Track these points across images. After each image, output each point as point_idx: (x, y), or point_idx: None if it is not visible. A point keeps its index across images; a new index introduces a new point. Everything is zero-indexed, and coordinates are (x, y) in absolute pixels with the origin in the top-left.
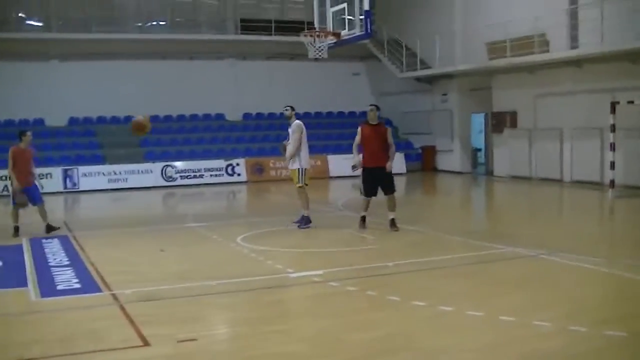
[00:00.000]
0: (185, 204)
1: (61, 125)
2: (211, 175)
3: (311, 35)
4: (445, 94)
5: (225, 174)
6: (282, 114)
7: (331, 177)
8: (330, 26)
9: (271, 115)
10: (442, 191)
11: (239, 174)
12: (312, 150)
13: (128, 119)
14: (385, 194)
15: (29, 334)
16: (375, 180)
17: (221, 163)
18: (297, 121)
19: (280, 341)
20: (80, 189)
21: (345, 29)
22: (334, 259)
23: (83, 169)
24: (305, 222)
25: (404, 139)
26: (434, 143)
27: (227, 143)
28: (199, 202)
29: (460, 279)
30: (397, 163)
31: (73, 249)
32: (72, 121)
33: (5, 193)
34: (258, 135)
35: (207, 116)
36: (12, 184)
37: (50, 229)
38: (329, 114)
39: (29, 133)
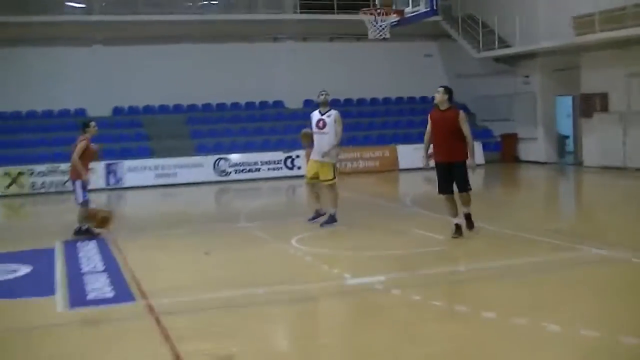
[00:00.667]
0: (238, 200)
1: (105, 116)
2: (269, 169)
3: (371, 14)
4: (527, 76)
5: (284, 167)
6: (348, 100)
7: (401, 170)
8: (394, 3)
9: (334, 102)
10: (524, 184)
11: (299, 167)
12: (381, 139)
13: (178, 108)
14: (459, 191)
15: (49, 349)
16: (447, 175)
17: (280, 155)
18: (335, 110)
19: (329, 358)
20: (125, 185)
21: (409, 5)
22: (398, 262)
23: (128, 163)
24: (331, 220)
25: (481, 127)
26: (515, 130)
27: (287, 133)
28: (254, 198)
29: (538, 287)
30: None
31: (111, 253)
32: (117, 111)
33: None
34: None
35: (264, 104)
36: (79, 177)
37: (83, 231)
38: (399, 99)
39: (93, 123)
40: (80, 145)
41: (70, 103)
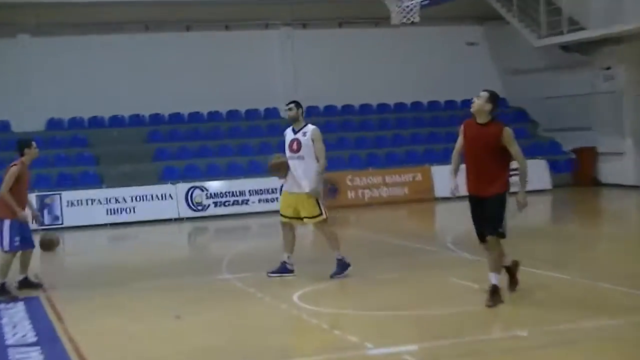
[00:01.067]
0: (219, 243)
1: (36, 131)
2: (260, 201)
3: None
4: (608, 68)
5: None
6: (365, 107)
7: (437, 199)
8: None
9: (347, 108)
10: (606, 216)
11: None
12: (410, 158)
13: (136, 120)
14: (486, 233)
15: None
16: (480, 214)
17: (274, 182)
18: (314, 126)
19: None
20: (65, 224)
21: None
22: (435, 326)
23: (69, 195)
24: (343, 267)
25: (546, 139)
26: (593, 143)
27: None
28: (241, 240)
29: (619, 357)
30: (537, 174)
31: (46, 318)
32: (52, 124)
33: None
34: (329, 139)
35: (252, 113)
36: (9, 216)
37: (27, 284)
38: (433, 104)
39: (34, 143)
40: (11, 172)
41: None
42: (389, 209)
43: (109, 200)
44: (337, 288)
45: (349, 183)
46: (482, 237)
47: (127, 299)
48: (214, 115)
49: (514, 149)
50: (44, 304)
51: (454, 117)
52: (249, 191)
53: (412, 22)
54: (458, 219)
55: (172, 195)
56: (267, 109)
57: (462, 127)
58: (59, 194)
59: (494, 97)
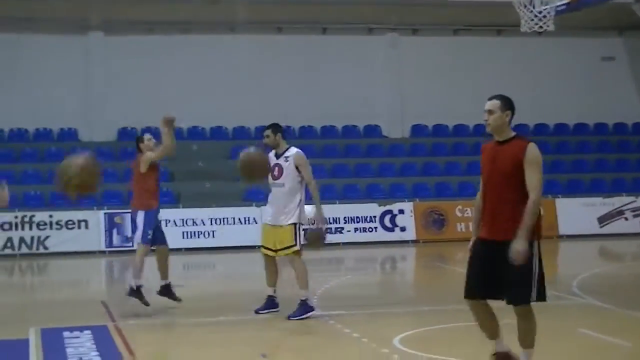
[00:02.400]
0: (309, 275)
1: (106, 141)
2: (356, 230)
3: None
4: None
5: (380, 228)
6: (479, 127)
7: (562, 236)
8: None
9: (460, 129)
10: None
11: (402, 228)
12: None
13: (218, 133)
14: (508, 301)
15: None
16: (485, 264)
17: (374, 209)
18: (297, 149)
19: None
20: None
21: None
22: None
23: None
24: (304, 310)
25: None
26: None
27: (385, 175)
28: (333, 274)
29: None
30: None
31: (115, 350)
32: (124, 135)
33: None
34: (438, 162)
35: (350, 130)
36: (146, 207)
37: (167, 292)
38: (560, 127)
39: (147, 136)
40: (145, 158)
41: (56, 122)
42: None
43: (186, 222)
44: (443, 332)
45: (458, 214)
46: (473, 294)
47: (205, 334)
48: (306, 131)
49: (533, 175)
50: (112, 334)
51: (584, 143)
52: (344, 218)
53: (544, 30)
54: (585, 260)
55: (256, 219)
56: (367, 126)
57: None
58: (129, 212)
59: (508, 102)
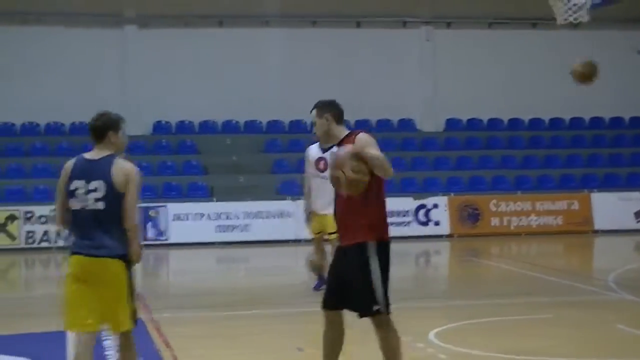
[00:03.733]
0: None
1: (141, 135)
2: (390, 224)
3: None
4: None
5: (414, 222)
6: (515, 121)
7: (597, 232)
8: None
9: (494, 123)
10: None
11: (437, 223)
12: (566, 183)
13: (252, 126)
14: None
15: None
16: (337, 273)
17: (407, 203)
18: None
19: None
20: (170, 240)
21: None
22: None
23: (175, 207)
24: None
25: None
26: None
27: (419, 169)
28: None
29: None
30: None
31: (151, 344)
32: (159, 128)
33: None
34: (471, 156)
35: (384, 124)
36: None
37: None
38: (595, 121)
39: None
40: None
41: (86, 115)
42: (539, 240)
43: (220, 216)
44: (480, 326)
45: (492, 208)
46: (328, 304)
47: (242, 328)
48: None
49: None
50: (148, 327)
51: (620, 137)
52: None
53: (579, 22)
54: (621, 255)
55: (290, 213)
56: (401, 120)
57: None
58: (164, 206)
59: (326, 106)
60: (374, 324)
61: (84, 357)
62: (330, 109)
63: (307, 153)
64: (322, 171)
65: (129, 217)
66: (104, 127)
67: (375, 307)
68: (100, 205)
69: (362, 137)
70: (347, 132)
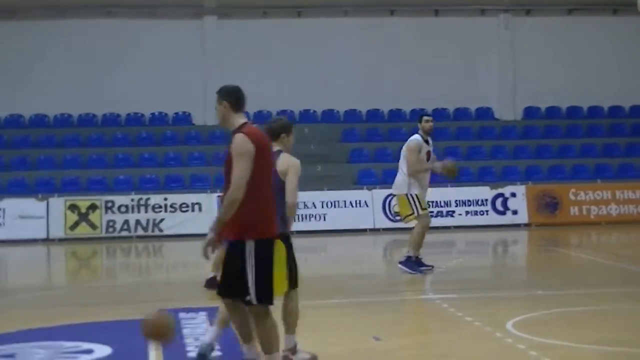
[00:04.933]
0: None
1: (218, 125)
2: (467, 213)
3: None
4: None
5: (492, 211)
6: (595, 109)
7: None
8: None
9: (574, 110)
10: None
11: (515, 212)
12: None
13: (330, 115)
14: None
15: None
16: (226, 264)
17: (485, 192)
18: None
19: None
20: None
21: None
22: None
23: None
24: (409, 266)
25: None
26: None
27: (497, 158)
28: (444, 256)
29: None
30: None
31: (229, 329)
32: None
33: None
34: (551, 145)
35: (462, 112)
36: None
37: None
38: None
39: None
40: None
41: (166, 105)
42: (619, 230)
43: (297, 205)
44: (558, 317)
45: (572, 197)
46: (220, 292)
47: (319, 317)
48: (417, 114)
49: (235, 167)
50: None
51: None
52: (454, 201)
53: None
54: None
55: (367, 202)
56: (479, 109)
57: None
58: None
59: (225, 92)
60: (251, 314)
61: None
62: (228, 96)
63: (419, 145)
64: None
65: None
66: (279, 129)
67: (247, 298)
68: None
69: (235, 141)
70: (242, 121)
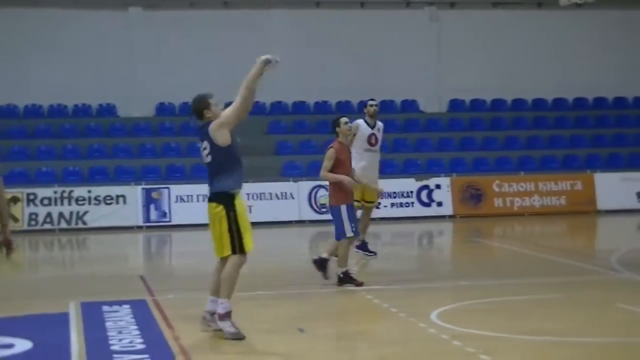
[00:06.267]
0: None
1: (144, 116)
2: (392, 205)
3: None
4: None
5: (417, 202)
6: (518, 102)
7: (601, 212)
8: None
9: (498, 103)
10: None
11: (439, 204)
12: (569, 163)
13: (256, 107)
14: None
15: None
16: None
17: (410, 184)
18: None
19: None
20: (173, 222)
21: None
22: (603, 355)
23: (178, 189)
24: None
25: None
26: None
27: (422, 150)
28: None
29: None
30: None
31: (154, 323)
32: (162, 110)
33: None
34: (475, 138)
35: (387, 105)
36: (341, 201)
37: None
38: (599, 101)
39: (344, 119)
40: (327, 155)
41: (90, 96)
42: (542, 221)
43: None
44: (482, 307)
45: (496, 189)
46: None
47: (243, 309)
48: (344, 106)
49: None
50: (151, 309)
51: (624, 117)
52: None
53: (584, 2)
54: (624, 235)
55: (293, 194)
56: (404, 101)
57: None
58: (168, 187)
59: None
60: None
61: None
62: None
63: (358, 128)
64: (374, 145)
65: None
66: (199, 108)
67: None
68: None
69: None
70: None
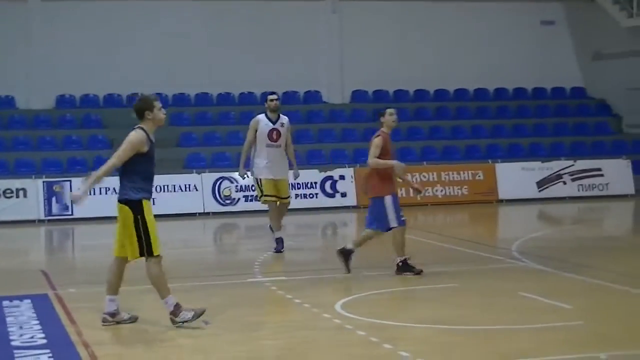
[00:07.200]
0: (250, 242)
1: (44, 109)
2: (297, 196)
3: None
4: None
5: (321, 194)
6: (420, 93)
7: (502, 201)
8: None
9: (400, 94)
10: None
11: (343, 194)
12: (471, 153)
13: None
14: None
15: None
16: None
17: (314, 175)
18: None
19: None
20: (75, 215)
21: None
22: (502, 344)
23: (80, 182)
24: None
25: (631, 136)
26: None
27: (326, 141)
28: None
29: None
30: (619, 176)
31: (55, 317)
32: (63, 102)
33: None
34: (377, 128)
35: (290, 96)
36: (383, 192)
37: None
38: (500, 92)
39: (390, 110)
40: (374, 143)
41: None
42: (444, 211)
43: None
44: (386, 297)
45: (398, 179)
46: None
47: (145, 302)
48: (245, 98)
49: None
50: (53, 303)
51: (523, 108)
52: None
53: None
54: (524, 224)
55: (197, 186)
56: (307, 92)
57: None
58: (69, 180)
59: None
60: None
61: None
62: None
63: (258, 124)
64: (275, 141)
65: None
66: (141, 109)
67: None
68: None
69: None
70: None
